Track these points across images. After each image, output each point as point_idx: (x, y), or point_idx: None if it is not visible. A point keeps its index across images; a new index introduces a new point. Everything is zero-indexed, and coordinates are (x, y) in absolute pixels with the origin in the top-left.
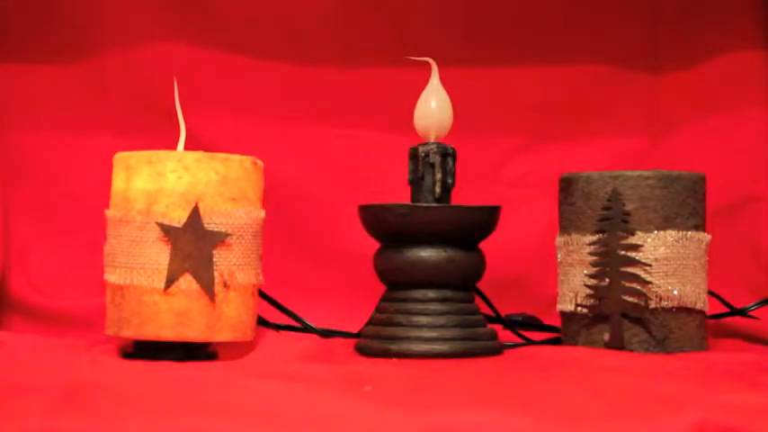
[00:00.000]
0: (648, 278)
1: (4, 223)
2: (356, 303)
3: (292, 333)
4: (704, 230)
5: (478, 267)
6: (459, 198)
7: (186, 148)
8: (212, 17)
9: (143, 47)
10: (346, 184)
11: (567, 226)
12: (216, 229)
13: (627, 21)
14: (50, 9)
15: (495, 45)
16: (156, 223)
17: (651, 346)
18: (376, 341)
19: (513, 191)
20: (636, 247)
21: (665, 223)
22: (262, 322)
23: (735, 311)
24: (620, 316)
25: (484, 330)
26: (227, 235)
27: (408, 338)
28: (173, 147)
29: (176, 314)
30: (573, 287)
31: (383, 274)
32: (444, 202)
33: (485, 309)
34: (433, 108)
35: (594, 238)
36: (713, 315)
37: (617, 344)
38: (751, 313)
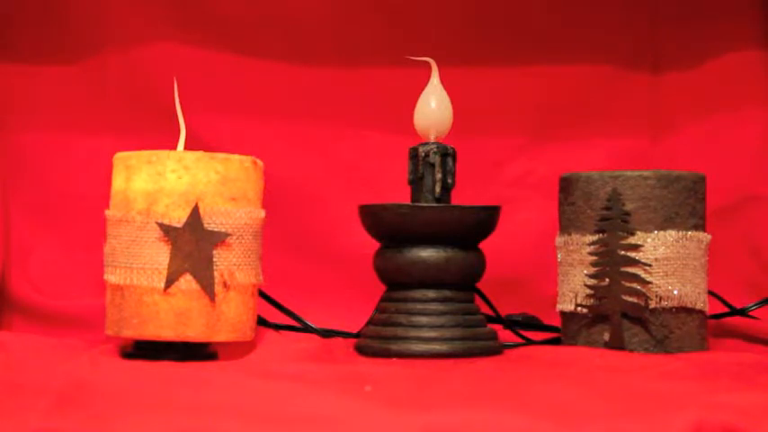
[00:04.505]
0: (648, 278)
1: (5, 223)
2: (356, 303)
3: (292, 333)
4: (704, 230)
5: (478, 267)
6: (459, 198)
7: (186, 148)
8: (212, 17)
9: (143, 47)
10: (346, 184)
11: (566, 226)
12: (216, 229)
13: (627, 21)
14: (50, 9)
15: (495, 45)
16: (156, 223)
17: (651, 346)
18: (376, 341)
19: (513, 191)
20: (636, 247)
21: (665, 223)
22: (262, 322)
23: (735, 311)
24: (620, 316)
25: (484, 330)
26: (227, 235)
27: (408, 338)
28: (173, 147)
29: (176, 314)
30: (573, 287)
31: (383, 274)
32: (444, 202)
33: (485, 309)
34: (433, 108)
35: (594, 238)
36: (713, 315)
37: (617, 344)
38: (751, 313)
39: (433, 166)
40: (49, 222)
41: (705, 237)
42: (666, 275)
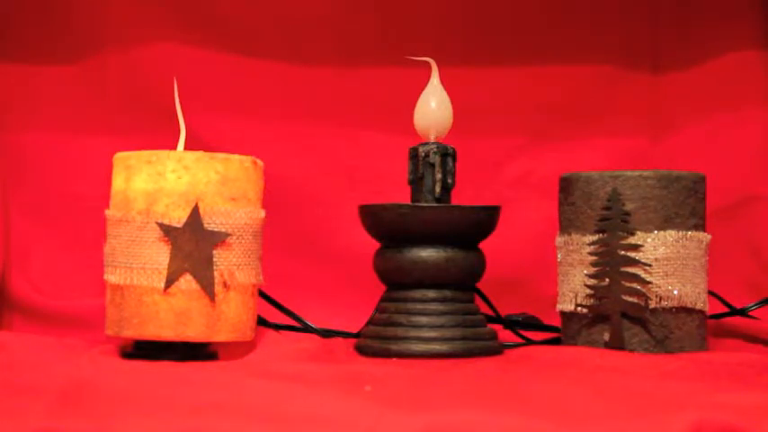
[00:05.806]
0: (648, 278)
1: (5, 223)
2: (356, 303)
3: (292, 333)
4: (704, 230)
5: (478, 267)
6: (460, 198)
7: (186, 148)
8: (212, 17)
9: (143, 47)
10: (346, 184)
11: (566, 226)
12: (216, 229)
13: (627, 21)
14: (50, 9)
15: (496, 45)
16: (156, 223)
17: (651, 346)
18: (376, 341)
19: (513, 191)
20: (636, 247)
21: (665, 223)
22: (262, 322)
23: (735, 311)
24: (620, 316)
25: (484, 330)
26: (227, 235)
27: (408, 338)
28: (173, 147)
29: (176, 314)
30: (573, 287)
31: (383, 274)
32: (444, 202)
33: (485, 309)
34: (433, 108)
35: (594, 238)
36: (713, 315)
37: (617, 344)
38: (751, 313)
39: (433, 166)
40: (49, 222)
41: (705, 237)
42: (666, 275)
